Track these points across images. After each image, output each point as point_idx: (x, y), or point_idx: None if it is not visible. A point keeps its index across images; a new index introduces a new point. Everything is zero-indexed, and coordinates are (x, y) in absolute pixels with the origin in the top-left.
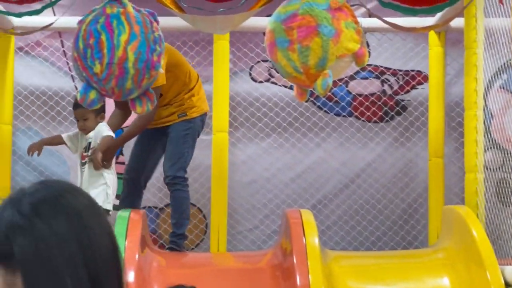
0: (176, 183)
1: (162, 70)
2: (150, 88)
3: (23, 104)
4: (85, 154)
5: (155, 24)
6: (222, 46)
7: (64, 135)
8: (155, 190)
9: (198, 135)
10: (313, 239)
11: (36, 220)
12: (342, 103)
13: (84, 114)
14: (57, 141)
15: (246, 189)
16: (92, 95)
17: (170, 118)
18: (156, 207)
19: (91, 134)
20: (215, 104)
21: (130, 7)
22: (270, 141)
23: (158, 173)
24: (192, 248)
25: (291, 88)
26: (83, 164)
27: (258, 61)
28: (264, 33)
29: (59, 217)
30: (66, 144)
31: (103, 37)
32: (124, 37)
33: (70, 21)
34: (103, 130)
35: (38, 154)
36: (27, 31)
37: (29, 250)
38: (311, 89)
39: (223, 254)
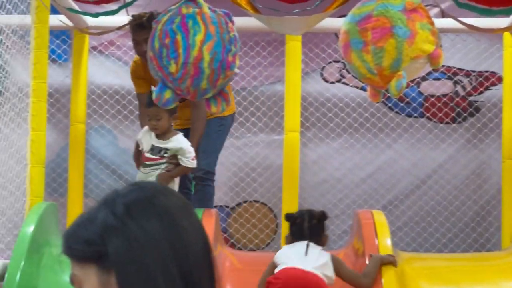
0: (208, 178)
1: (237, 70)
2: (225, 88)
3: (96, 103)
4: (149, 156)
5: (230, 24)
6: (294, 46)
7: (138, 140)
8: (227, 189)
9: (228, 133)
10: (385, 240)
11: (129, 221)
12: (414, 104)
13: (158, 113)
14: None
15: (316, 189)
16: (167, 94)
17: None
18: (227, 206)
19: (170, 144)
20: (287, 104)
21: (205, 8)
22: (341, 141)
23: (230, 173)
24: (263, 247)
25: (362, 89)
26: (146, 166)
27: (330, 62)
28: (336, 34)
29: (152, 218)
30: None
31: (179, 37)
32: (200, 37)
33: None
34: (188, 151)
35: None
36: (101, 31)
37: (123, 250)
38: (385, 90)
39: None
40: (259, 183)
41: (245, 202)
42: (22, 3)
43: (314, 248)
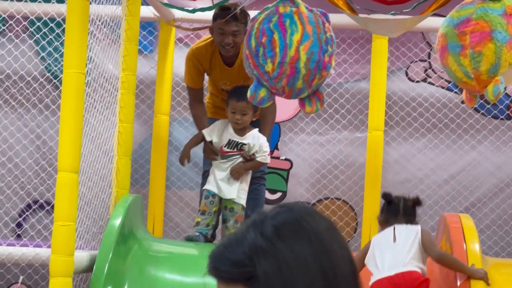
0: (264, 177)
1: (332, 71)
2: (320, 88)
3: (181, 95)
4: (226, 149)
5: (327, 24)
6: (380, 44)
7: (205, 132)
8: (308, 186)
9: None
10: (473, 245)
11: (279, 243)
12: (500, 106)
13: (245, 108)
14: (199, 140)
15: (398, 188)
16: (262, 93)
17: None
18: (308, 203)
19: (247, 140)
20: (372, 102)
21: (302, 7)
22: (424, 141)
23: (312, 169)
24: None
25: (448, 89)
26: (222, 158)
27: (415, 61)
28: (422, 33)
29: (301, 240)
30: (205, 141)
31: (276, 36)
32: (297, 37)
33: None
34: (265, 146)
35: (188, 161)
36: (193, 28)
37: (272, 272)
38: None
39: None
40: (341, 181)
41: (326, 199)
42: None
43: (402, 229)
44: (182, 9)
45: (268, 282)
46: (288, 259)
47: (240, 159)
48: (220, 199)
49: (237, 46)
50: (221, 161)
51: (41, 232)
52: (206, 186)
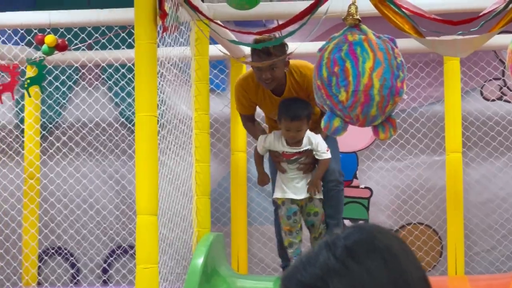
0: (340, 182)
1: (405, 96)
2: (392, 114)
3: None
4: (287, 152)
5: (396, 50)
6: (453, 66)
7: (260, 150)
8: (390, 212)
9: None
10: None
11: (352, 263)
12: None
13: (301, 126)
14: (261, 156)
15: (481, 209)
16: (336, 122)
17: None
18: (391, 229)
19: (304, 148)
20: (447, 124)
21: (371, 34)
22: (505, 159)
23: (393, 195)
24: (429, 270)
25: None
26: (289, 162)
27: (490, 80)
28: (495, 51)
29: (375, 260)
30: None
31: (348, 65)
32: (369, 64)
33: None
34: (321, 144)
35: (269, 181)
36: (259, 63)
37: None
38: None
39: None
40: (422, 205)
41: (408, 224)
42: (182, 36)
43: None
44: (248, 44)
45: None
46: (362, 278)
47: (303, 158)
48: (300, 211)
49: (277, 79)
50: (289, 165)
51: (127, 277)
52: (276, 195)
